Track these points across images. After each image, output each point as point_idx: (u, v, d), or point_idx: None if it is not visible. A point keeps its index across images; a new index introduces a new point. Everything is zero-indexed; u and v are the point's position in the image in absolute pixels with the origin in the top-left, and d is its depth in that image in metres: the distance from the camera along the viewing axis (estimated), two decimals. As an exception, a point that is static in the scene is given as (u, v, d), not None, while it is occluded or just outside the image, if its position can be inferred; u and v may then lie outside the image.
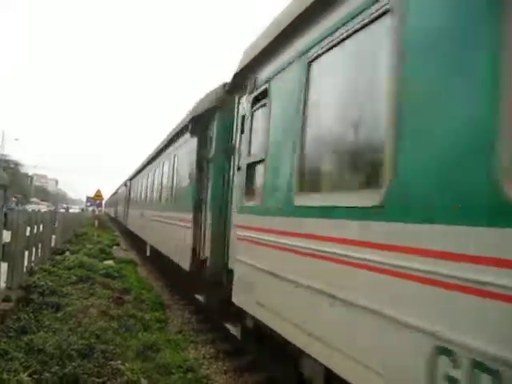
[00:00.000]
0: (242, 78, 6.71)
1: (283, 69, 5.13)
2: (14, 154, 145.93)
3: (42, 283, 9.18)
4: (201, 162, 9.58)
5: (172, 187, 13.17)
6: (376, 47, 3.56)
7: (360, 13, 3.56)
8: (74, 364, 5.55)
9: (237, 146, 7.33)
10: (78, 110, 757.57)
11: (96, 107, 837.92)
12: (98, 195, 35.54)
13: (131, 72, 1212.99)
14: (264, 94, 5.69)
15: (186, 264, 9.75)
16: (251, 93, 6.22)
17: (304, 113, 4.50)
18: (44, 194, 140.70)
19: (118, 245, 26.26)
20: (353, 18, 3.69)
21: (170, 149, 14.13)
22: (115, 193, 49.69)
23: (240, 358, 7.67)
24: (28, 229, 11.07)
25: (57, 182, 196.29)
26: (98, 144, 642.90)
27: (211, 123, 9.13)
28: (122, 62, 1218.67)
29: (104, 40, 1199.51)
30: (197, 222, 9.42)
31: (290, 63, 4.93)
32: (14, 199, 72.42)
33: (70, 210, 65.31)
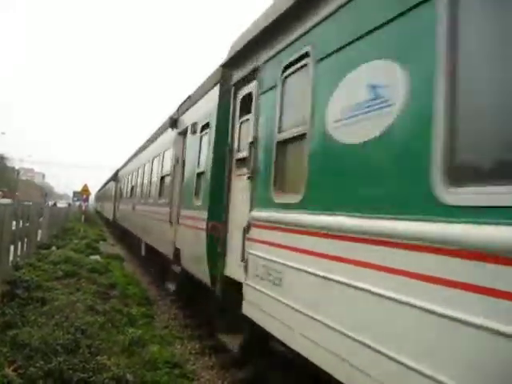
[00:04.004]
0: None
1: None
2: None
3: (28, 278, 9.09)
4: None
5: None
6: None
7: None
8: (59, 359, 5.50)
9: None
10: (68, 105, 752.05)
11: (86, 103, 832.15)
12: (85, 190, 35.27)
13: (125, 68, 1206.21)
14: None
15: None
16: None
17: None
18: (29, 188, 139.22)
19: (104, 240, 26.14)
20: None
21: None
22: (103, 187, 49.73)
23: (226, 354, 7.68)
24: (14, 223, 10.98)
25: (44, 175, 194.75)
26: (86, 139, 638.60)
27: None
28: (117, 58, 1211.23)
29: (100, 38, 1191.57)
30: None
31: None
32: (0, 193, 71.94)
33: (59, 205, 64.61)
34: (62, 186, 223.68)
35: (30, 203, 32.67)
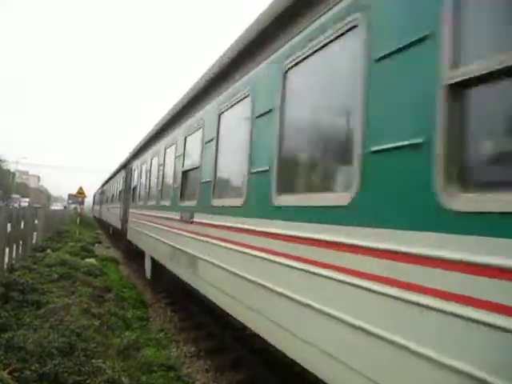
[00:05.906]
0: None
1: None
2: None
3: (23, 280, 9.07)
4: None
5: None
6: None
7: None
8: (54, 362, 5.50)
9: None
10: (64, 108, 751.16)
11: (81, 106, 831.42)
12: (81, 192, 35.07)
13: (121, 72, 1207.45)
14: None
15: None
16: None
17: None
18: (25, 191, 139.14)
19: (100, 243, 26.12)
20: None
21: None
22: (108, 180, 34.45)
23: (222, 357, 7.69)
24: (9, 225, 10.96)
25: (39, 178, 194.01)
26: (80, 142, 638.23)
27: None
28: (112, 62, 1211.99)
29: (96, 41, 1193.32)
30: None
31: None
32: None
33: (53, 207, 64.58)
34: (56, 189, 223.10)
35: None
